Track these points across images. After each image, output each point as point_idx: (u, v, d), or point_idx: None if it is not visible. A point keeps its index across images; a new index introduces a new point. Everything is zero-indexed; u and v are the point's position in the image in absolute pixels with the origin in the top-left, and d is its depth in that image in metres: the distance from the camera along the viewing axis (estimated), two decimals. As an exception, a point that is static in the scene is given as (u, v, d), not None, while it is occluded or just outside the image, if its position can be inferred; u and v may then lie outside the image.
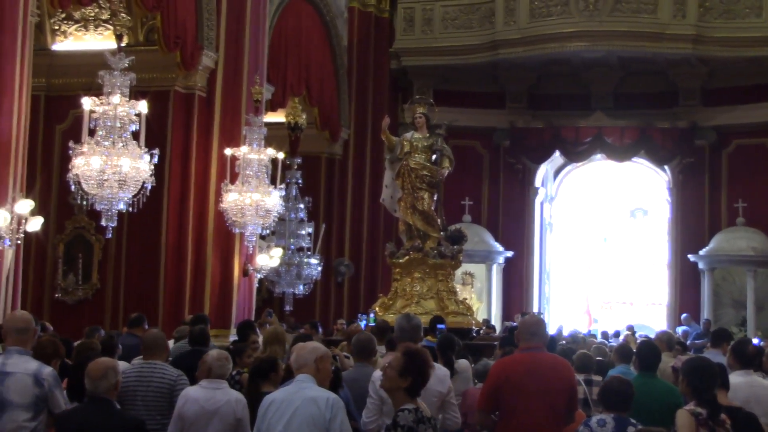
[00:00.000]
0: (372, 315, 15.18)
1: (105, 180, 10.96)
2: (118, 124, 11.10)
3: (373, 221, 23.17)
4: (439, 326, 11.78)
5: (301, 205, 19.79)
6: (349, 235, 22.96)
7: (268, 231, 16.35)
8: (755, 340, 12.24)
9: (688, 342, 17.64)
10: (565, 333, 18.64)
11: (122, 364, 7.82)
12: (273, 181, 15.32)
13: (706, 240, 23.32)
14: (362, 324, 15.10)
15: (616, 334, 19.66)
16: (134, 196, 11.38)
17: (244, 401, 6.99)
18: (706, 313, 22.50)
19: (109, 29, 16.03)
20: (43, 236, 14.90)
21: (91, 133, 11.07)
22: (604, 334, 19.40)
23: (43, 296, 16.11)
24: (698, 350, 15.46)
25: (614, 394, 6.00)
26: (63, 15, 16.15)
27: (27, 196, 11.26)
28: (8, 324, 6.79)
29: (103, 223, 11.50)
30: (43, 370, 6.46)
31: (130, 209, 11.61)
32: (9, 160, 10.95)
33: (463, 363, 9.46)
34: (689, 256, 23.42)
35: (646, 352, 7.60)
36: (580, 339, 14.74)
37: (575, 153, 25.05)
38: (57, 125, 16.39)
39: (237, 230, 15.40)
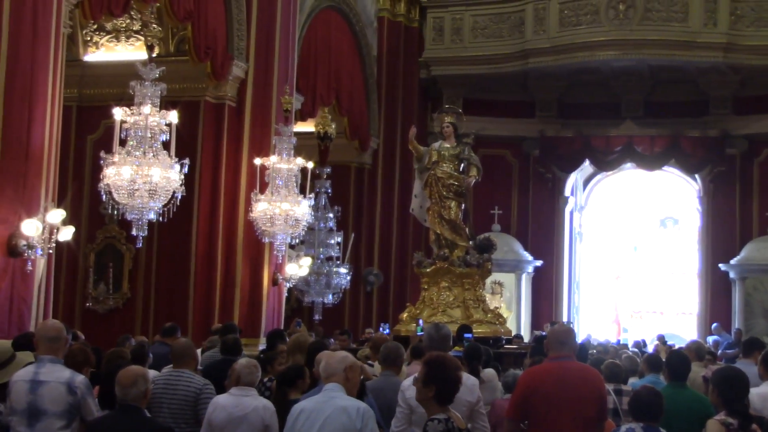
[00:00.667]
0: (420, 323, 15.09)
1: (136, 190, 11.00)
2: (149, 134, 11.13)
3: (402, 230, 23.18)
4: (466, 335, 11.75)
5: (331, 215, 19.81)
6: (379, 244, 22.97)
7: (297, 240, 16.38)
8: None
9: (719, 352, 17.50)
10: (594, 342, 18.52)
11: (152, 373, 7.90)
12: (302, 191, 15.35)
13: (737, 249, 23.17)
14: (385, 332, 15.10)
15: (644, 344, 19.45)
16: (164, 206, 11.42)
17: (273, 408, 7.03)
18: (737, 323, 22.34)
19: (140, 40, 16.15)
20: (75, 246, 15.00)
21: (122, 143, 11.13)
22: (637, 344, 19.20)
23: (74, 305, 16.23)
24: (729, 360, 15.34)
25: (644, 405, 5.97)
26: (95, 26, 16.28)
27: (58, 206, 11.34)
28: (40, 333, 6.85)
29: (134, 232, 11.54)
30: (75, 378, 6.51)
31: (161, 219, 11.66)
32: (41, 170, 11.03)
33: (489, 372, 9.45)
34: (720, 265, 23.28)
35: (676, 362, 7.56)
36: (611, 349, 14.65)
37: (605, 162, 24.98)
38: (88, 135, 16.51)
39: (266, 239, 15.43)
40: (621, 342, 20.33)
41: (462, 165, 16.22)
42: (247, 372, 7.15)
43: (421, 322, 15.09)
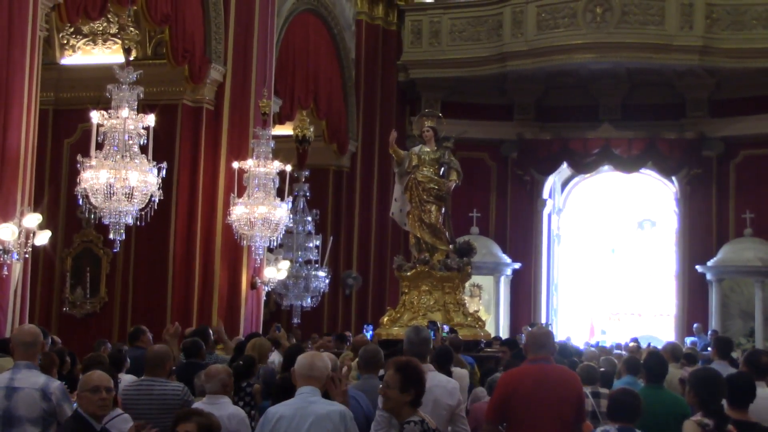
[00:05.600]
0: (446, 329, 14.87)
1: (113, 193, 10.97)
2: (127, 138, 11.11)
3: (380, 233, 23.18)
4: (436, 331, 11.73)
5: (309, 218, 19.79)
6: (357, 247, 22.96)
7: (275, 244, 16.36)
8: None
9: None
10: (573, 344, 18.45)
11: (130, 378, 7.87)
12: (281, 194, 15.34)
13: (713, 251, 23.28)
14: (369, 335, 15.08)
15: (618, 347, 19.34)
16: (142, 210, 11.39)
17: (241, 416, 7.00)
18: (714, 324, 22.45)
19: (117, 43, 16.08)
20: (51, 250, 14.92)
21: (99, 146, 11.10)
22: (627, 347, 19.01)
23: (51, 310, 16.14)
24: (706, 361, 15.38)
25: (620, 406, 6.02)
26: (71, 29, 16.21)
27: (35, 210, 11.29)
28: (16, 338, 6.77)
29: (111, 236, 11.51)
30: (50, 384, 6.43)
31: (138, 223, 11.63)
32: (17, 173, 10.98)
33: (460, 372, 9.45)
34: (697, 267, 23.37)
35: (653, 364, 7.61)
36: (594, 352, 14.58)
37: (583, 164, 25.05)
38: (65, 139, 16.44)
39: (245, 243, 15.41)
40: (600, 344, 20.31)
41: (442, 169, 16.22)
42: (207, 380, 7.13)
43: (446, 328, 14.91)
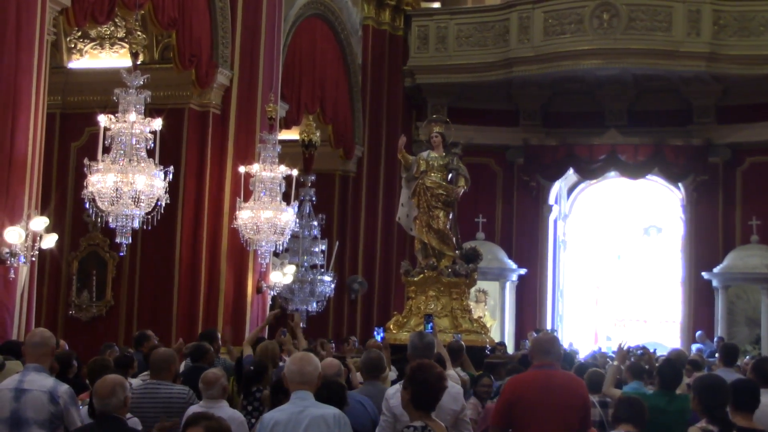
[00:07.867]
0: (458, 338, 14.85)
1: (119, 197, 10.98)
2: (134, 142, 11.12)
3: (386, 238, 23.17)
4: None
5: (315, 223, 19.76)
6: (363, 252, 22.96)
7: (281, 248, 16.36)
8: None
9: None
10: (576, 349, 18.44)
11: (137, 381, 7.87)
12: (287, 199, 15.34)
13: (719, 258, 23.24)
14: (380, 337, 15.07)
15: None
16: (148, 214, 11.40)
17: (239, 420, 7.02)
18: (719, 331, 22.41)
19: (124, 47, 16.12)
20: (58, 253, 14.94)
21: (106, 150, 11.11)
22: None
23: (57, 313, 16.16)
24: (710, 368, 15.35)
25: (626, 409, 6.04)
26: (79, 33, 16.27)
27: (42, 214, 11.31)
28: (27, 341, 6.85)
29: (118, 240, 11.50)
30: (59, 388, 6.45)
31: (145, 226, 11.63)
32: (24, 177, 11.01)
33: (450, 374, 9.46)
34: (703, 273, 23.35)
35: (667, 370, 7.64)
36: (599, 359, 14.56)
37: (589, 170, 25.05)
38: (72, 143, 16.48)
39: (251, 247, 15.42)
40: (602, 350, 20.31)
41: (450, 175, 16.23)
42: (204, 387, 7.14)
43: (459, 337, 14.88)
